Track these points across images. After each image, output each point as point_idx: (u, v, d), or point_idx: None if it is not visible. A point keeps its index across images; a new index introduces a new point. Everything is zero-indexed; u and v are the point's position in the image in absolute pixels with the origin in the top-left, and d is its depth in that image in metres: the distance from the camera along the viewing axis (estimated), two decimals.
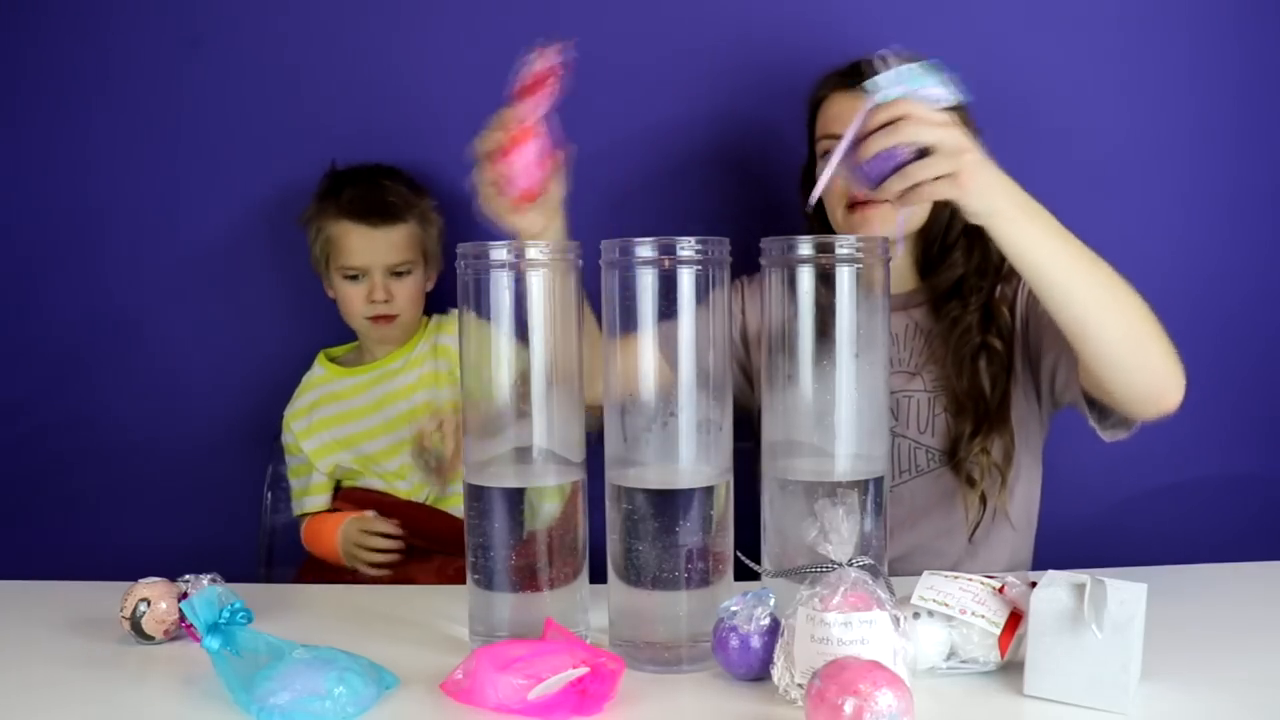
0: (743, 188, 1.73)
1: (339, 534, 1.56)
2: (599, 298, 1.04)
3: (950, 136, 1.04)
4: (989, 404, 1.33)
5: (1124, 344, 1.12)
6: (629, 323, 1.01)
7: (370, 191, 1.61)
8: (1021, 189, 1.09)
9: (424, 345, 1.65)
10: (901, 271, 1.45)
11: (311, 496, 1.66)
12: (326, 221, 1.61)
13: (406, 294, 1.61)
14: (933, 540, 1.36)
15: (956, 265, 1.40)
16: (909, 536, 1.36)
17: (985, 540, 1.37)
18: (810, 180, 1.47)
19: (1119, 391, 1.17)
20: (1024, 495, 1.40)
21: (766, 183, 1.71)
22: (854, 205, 1.37)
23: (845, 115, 1.36)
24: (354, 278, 1.60)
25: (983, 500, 1.34)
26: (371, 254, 1.59)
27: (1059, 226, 1.10)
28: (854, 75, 1.39)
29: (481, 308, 1.05)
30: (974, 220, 1.08)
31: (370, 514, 1.57)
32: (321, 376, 1.68)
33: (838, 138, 1.35)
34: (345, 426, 1.65)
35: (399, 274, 1.60)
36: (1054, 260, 1.09)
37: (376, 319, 1.61)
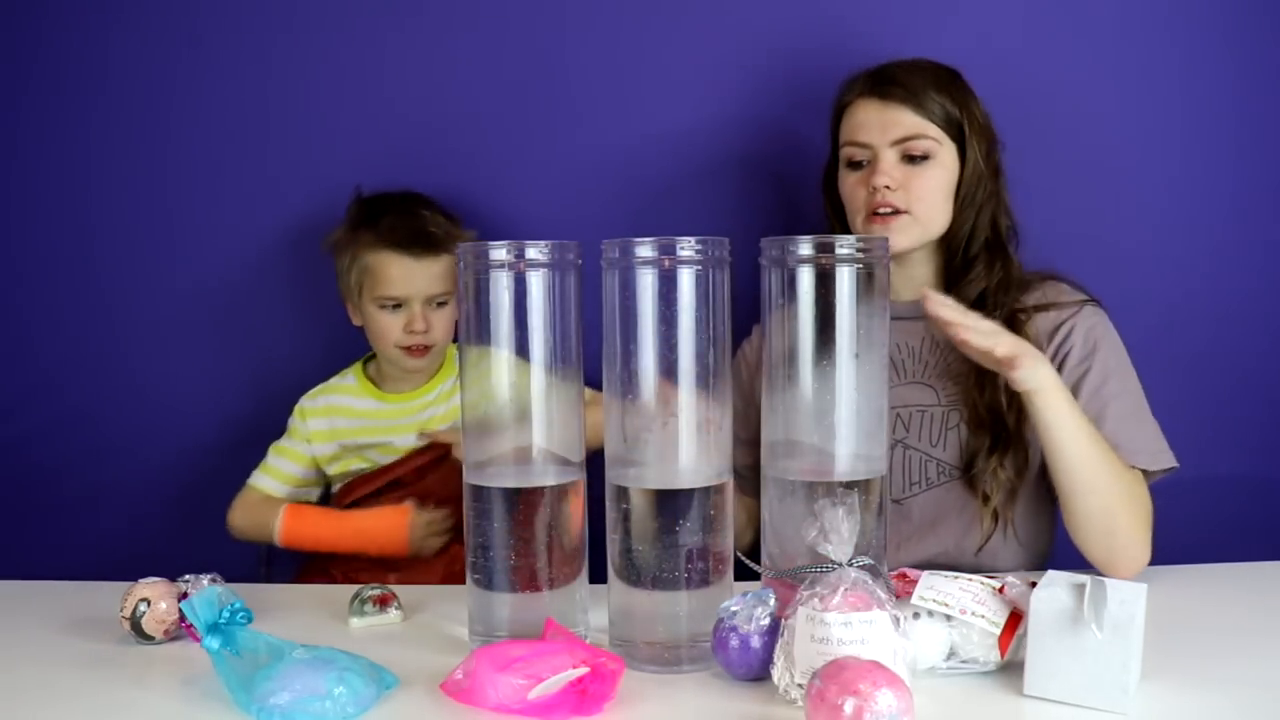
0: (763, 192, 1.73)
1: (409, 531, 1.55)
2: (599, 298, 1.04)
3: (1009, 343, 1.20)
4: (1006, 420, 1.33)
5: (1100, 516, 1.25)
6: (629, 322, 1.01)
7: (411, 221, 1.59)
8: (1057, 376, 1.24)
9: (451, 381, 1.65)
10: (923, 281, 1.44)
11: (282, 483, 1.65)
12: (363, 250, 1.59)
13: (443, 324, 1.60)
14: (941, 555, 1.36)
15: (980, 279, 1.40)
16: (917, 550, 1.36)
17: (993, 557, 1.36)
18: (832, 183, 1.48)
19: (1082, 546, 1.28)
20: (1033, 514, 1.39)
21: (787, 187, 1.71)
22: (874, 215, 1.37)
23: (869, 124, 1.38)
24: (393, 307, 1.59)
25: (994, 516, 1.34)
26: (412, 284, 1.58)
27: (1078, 408, 1.25)
28: (879, 81, 1.39)
29: (481, 307, 1.05)
30: (1021, 389, 1.22)
31: (410, 505, 1.57)
32: (352, 388, 1.68)
33: (862, 146, 1.39)
34: (362, 439, 1.65)
35: (438, 304, 1.60)
36: (1075, 436, 1.23)
37: (411, 349, 1.60)
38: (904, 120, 1.37)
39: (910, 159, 1.37)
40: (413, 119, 1.74)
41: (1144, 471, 1.31)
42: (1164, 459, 1.33)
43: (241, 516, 1.63)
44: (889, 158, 1.37)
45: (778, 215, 1.72)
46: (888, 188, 1.35)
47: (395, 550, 1.56)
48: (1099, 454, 1.24)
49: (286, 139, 1.76)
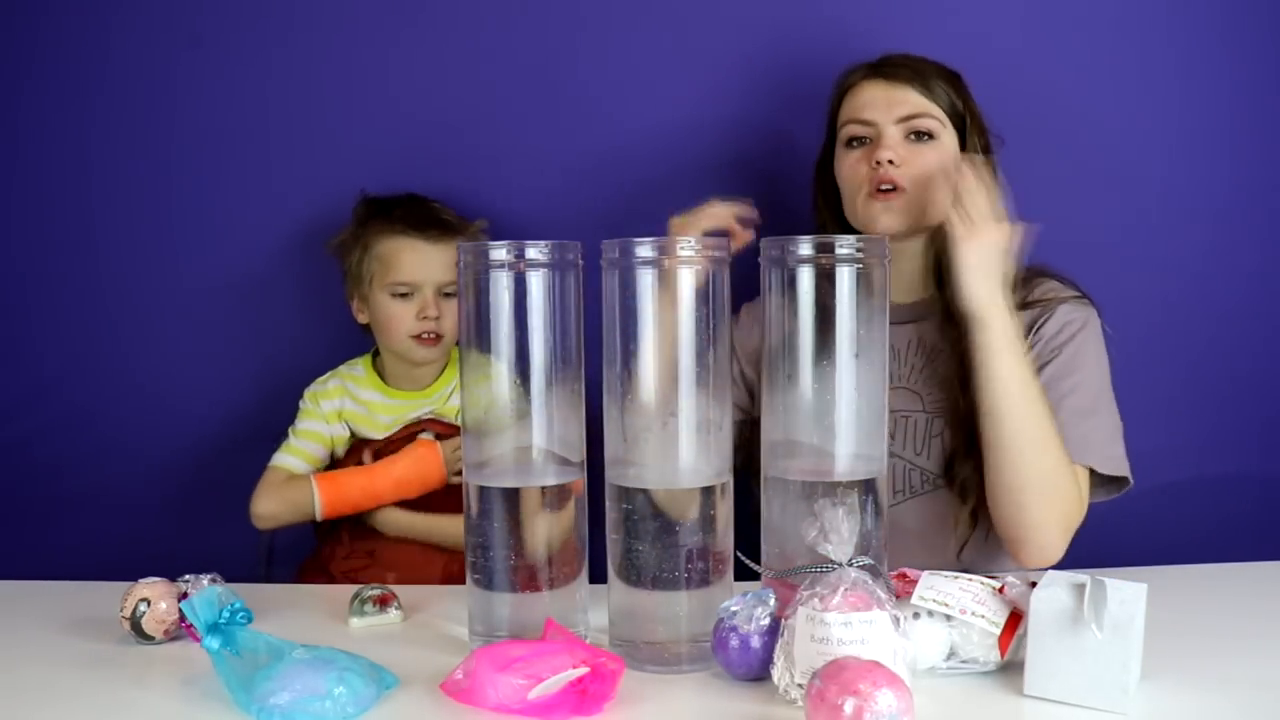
0: (755, 191, 1.72)
1: (442, 459, 1.59)
2: (599, 298, 1.04)
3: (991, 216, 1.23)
4: None
5: (1014, 490, 1.23)
6: (629, 323, 1.01)
7: (423, 209, 1.63)
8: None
9: (455, 383, 1.66)
10: (914, 278, 1.43)
11: (307, 462, 1.66)
12: (376, 239, 1.61)
13: (453, 315, 1.61)
14: (927, 566, 1.35)
15: None
16: (904, 562, 1.35)
17: (980, 564, 1.35)
18: (825, 171, 1.47)
19: (994, 515, 1.27)
20: None
21: (779, 186, 1.71)
22: (875, 193, 1.36)
23: (874, 102, 1.38)
24: (404, 295, 1.60)
25: (973, 518, 1.33)
26: (425, 269, 1.59)
27: (1026, 360, 1.24)
28: (884, 64, 1.40)
29: (481, 307, 1.05)
30: (968, 299, 1.23)
31: (428, 437, 1.61)
32: (360, 377, 1.69)
33: (866, 123, 1.38)
34: (364, 429, 1.67)
35: (447, 294, 1.61)
36: (1012, 375, 1.22)
37: (423, 338, 1.61)
38: (909, 98, 1.37)
39: (916, 136, 1.37)
40: (413, 120, 1.75)
41: (1098, 476, 1.29)
42: (1113, 465, 1.30)
43: (269, 500, 1.61)
44: (893, 134, 1.36)
45: (778, 215, 1.71)
46: (891, 162, 1.34)
47: (436, 482, 1.59)
48: (1034, 419, 1.21)
49: (287, 141, 1.76)
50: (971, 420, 1.31)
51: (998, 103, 1.44)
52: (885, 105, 1.37)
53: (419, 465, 1.59)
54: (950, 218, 1.24)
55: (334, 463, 1.68)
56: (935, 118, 1.37)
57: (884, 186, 1.36)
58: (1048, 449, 1.22)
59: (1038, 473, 1.22)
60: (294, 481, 1.62)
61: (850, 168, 1.40)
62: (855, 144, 1.40)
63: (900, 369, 1.41)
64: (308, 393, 1.68)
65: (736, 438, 1.30)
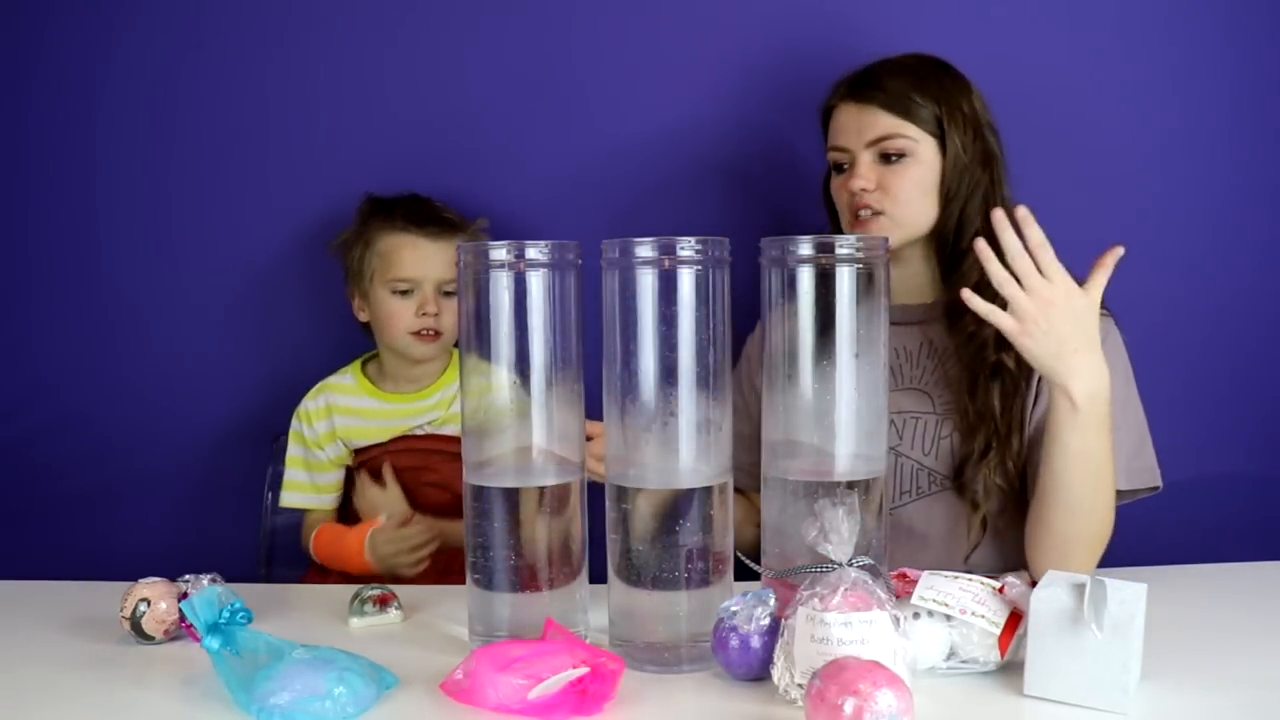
0: (755, 195, 1.73)
1: (366, 550, 1.51)
2: (599, 298, 1.04)
3: (1035, 295, 1.15)
4: (999, 425, 1.32)
5: (1061, 541, 1.22)
6: (629, 323, 1.01)
7: (424, 206, 1.64)
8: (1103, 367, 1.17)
9: (454, 387, 1.65)
10: (921, 281, 1.42)
11: (322, 495, 1.67)
12: (378, 235, 1.62)
13: (453, 314, 1.61)
14: (934, 567, 1.34)
15: (972, 271, 1.33)
16: (911, 562, 1.34)
17: (988, 568, 1.34)
18: (829, 187, 1.48)
19: (1031, 555, 1.26)
20: (1022, 524, 1.36)
21: (778, 190, 1.71)
22: (855, 220, 1.38)
23: (847, 128, 1.39)
24: (404, 293, 1.60)
25: (983, 524, 1.33)
26: (425, 266, 1.60)
27: (1106, 425, 1.18)
28: (858, 83, 1.39)
29: (481, 307, 1.05)
30: (1048, 379, 1.18)
31: (382, 519, 1.54)
32: (350, 386, 1.68)
33: (842, 150, 1.39)
34: (358, 441, 1.66)
35: (448, 293, 1.61)
36: (1083, 450, 1.18)
37: (422, 334, 1.61)
38: (880, 122, 1.36)
39: (885, 159, 1.36)
40: (414, 121, 1.75)
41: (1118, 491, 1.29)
42: (1137, 478, 1.30)
43: (311, 549, 1.63)
44: (865, 160, 1.37)
45: (777, 216, 1.72)
46: (864, 190, 1.36)
47: (360, 568, 1.51)
48: (1097, 488, 1.20)
49: (288, 142, 1.76)
50: (982, 422, 1.32)
51: (997, 103, 1.43)
52: (856, 131, 1.38)
53: (349, 547, 1.54)
54: (994, 318, 1.15)
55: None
56: (906, 136, 1.35)
57: (862, 213, 1.37)
58: (1105, 509, 1.22)
59: (1087, 529, 1.22)
60: (308, 526, 1.65)
61: (836, 193, 1.43)
62: (839, 169, 1.42)
63: (912, 370, 1.41)
64: (299, 412, 1.67)
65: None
